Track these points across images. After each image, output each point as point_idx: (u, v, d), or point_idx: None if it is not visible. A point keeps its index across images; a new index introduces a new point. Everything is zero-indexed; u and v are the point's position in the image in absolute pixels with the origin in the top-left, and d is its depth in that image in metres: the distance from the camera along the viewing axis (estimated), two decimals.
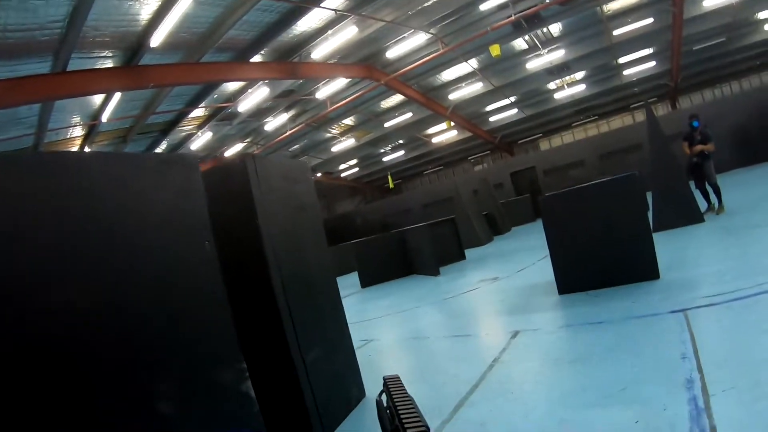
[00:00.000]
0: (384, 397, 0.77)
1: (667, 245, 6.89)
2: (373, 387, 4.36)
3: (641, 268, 5.66)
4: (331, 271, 4.36)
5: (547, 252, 6.43)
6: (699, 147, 9.08)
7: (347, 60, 17.69)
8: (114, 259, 2.18)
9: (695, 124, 9.23)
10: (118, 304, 2.15)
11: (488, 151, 35.19)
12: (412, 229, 12.53)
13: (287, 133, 23.56)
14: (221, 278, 2.67)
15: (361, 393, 4.25)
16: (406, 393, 0.73)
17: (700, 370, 3.07)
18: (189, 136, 21.93)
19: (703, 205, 9.24)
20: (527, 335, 4.92)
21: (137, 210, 2.35)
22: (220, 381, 2.50)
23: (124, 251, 2.24)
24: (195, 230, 2.61)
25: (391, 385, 0.76)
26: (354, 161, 34.18)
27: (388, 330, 6.98)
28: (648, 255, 5.65)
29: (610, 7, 17.99)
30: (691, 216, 8.54)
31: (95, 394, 1.97)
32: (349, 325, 4.38)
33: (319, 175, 33.76)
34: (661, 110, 28.31)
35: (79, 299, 2.01)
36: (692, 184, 9.07)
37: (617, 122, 30.76)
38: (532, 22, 17.04)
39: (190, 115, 19.24)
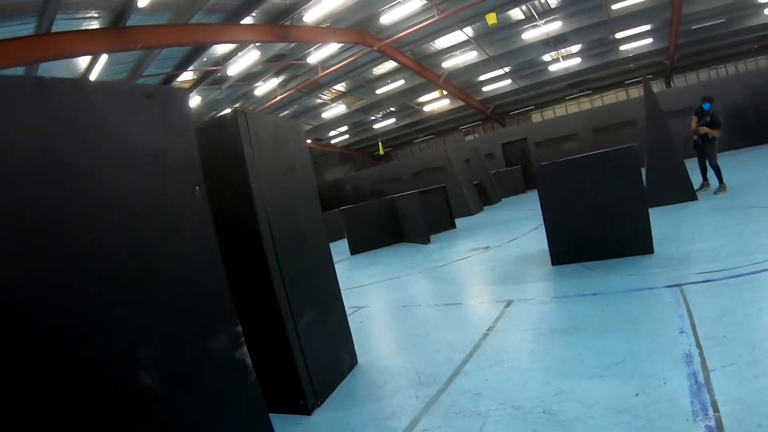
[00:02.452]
0: None
1: (660, 220, 6.88)
2: (363, 355, 4.33)
3: (636, 242, 5.65)
4: (324, 234, 4.25)
5: (538, 223, 6.41)
6: (704, 129, 9.07)
7: (340, 24, 17.33)
8: (87, 203, 1.93)
9: (706, 107, 9.20)
10: (93, 258, 1.92)
11: (480, 122, 34.98)
12: (402, 197, 12.46)
13: (277, 99, 23.20)
14: (213, 230, 2.47)
15: (353, 360, 4.20)
16: None
17: (698, 345, 3.06)
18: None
19: (698, 181, 9.25)
20: (521, 304, 4.91)
21: (115, 148, 2.09)
22: (213, 347, 2.35)
23: (99, 195, 1.98)
24: (184, 173, 2.37)
25: None
26: (344, 128, 33.84)
27: (378, 297, 6.95)
28: (643, 229, 5.63)
29: None
30: (685, 193, 8.53)
31: (74, 359, 1.81)
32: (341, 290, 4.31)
33: (309, 141, 33.40)
34: (656, 88, 28.14)
35: (45, 252, 1.78)
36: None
37: (611, 97, 30.62)
38: None
39: (178, 79, 18.82)
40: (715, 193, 8.92)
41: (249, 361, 2.52)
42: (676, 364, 2.87)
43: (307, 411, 3.40)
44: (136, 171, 2.15)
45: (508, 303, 5.02)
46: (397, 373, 3.82)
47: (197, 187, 2.40)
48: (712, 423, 2.23)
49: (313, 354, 3.58)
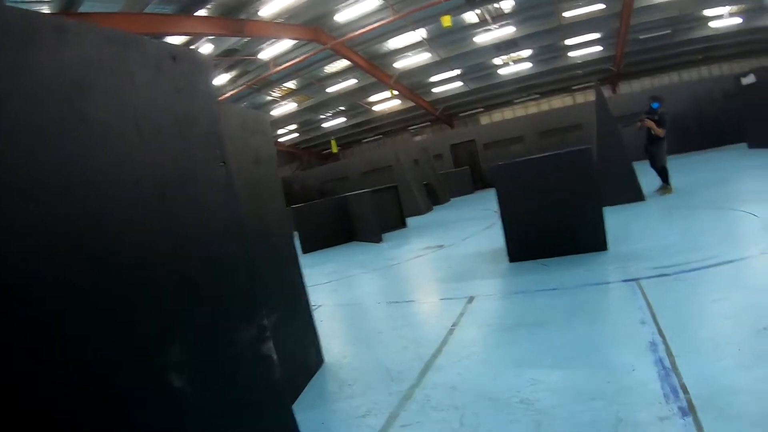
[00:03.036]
0: None
1: (611, 220, 7.11)
2: (328, 353, 4.28)
3: (590, 240, 5.85)
4: (289, 227, 4.17)
5: (490, 222, 6.54)
6: (649, 122, 9.33)
7: (295, 20, 17.17)
8: (97, 172, 1.68)
9: (654, 105, 9.50)
10: (101, 234, 1.66)
11: (429, 123, 35.31)
12: (354, 196, 12.44)
13: (227, 95, 22.75)
14: (239, 206, 2.27)
15: (320, 358, 4.13)
16: None
17: (661, 334, 3.20)
18: None
19: (658, 183, 9.67)
20: (483, 300, 4.98)
21: (141, 109, 1.85)
22: (238, 339, 2.16)
23: (112, 164, 1.73)
24: (207, 146, 2.16)
25: None
26: (293, 126, 33.46)
27: (335, 296, 6.87)
28: (598, 227, 5.83)
29: None
30: (633, 194, 8.89)
31: (80, 332, 1.56)
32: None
33: None
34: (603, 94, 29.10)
35: (49, 229, 1.51)
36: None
37: (558, 102, 31.52)
38: None
39: None
40: (660, 194, 9.30)
41: (275, 356, 2.37)
42: (642, 352, 2.99)
43: None
44: (161, 141, 1.93)
45: (470, 299, 5.09)
46: (367, 371, 3.78)
47: (222, 163, 2.21)
48: (684, 404, 2.34)
49: (282, 352, 3.49)
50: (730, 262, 4.41)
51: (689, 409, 2.28)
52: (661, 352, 2.94)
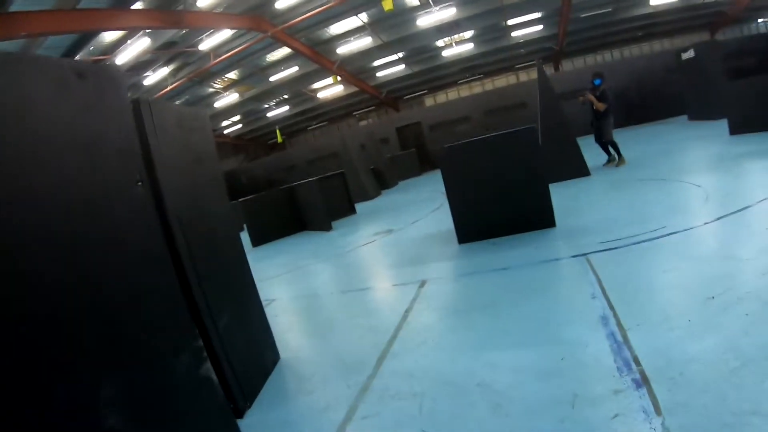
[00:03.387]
0: None
1: (558, 196, 7.23)
2: (284, 349, 4.18)
3: (538, 217, 5.92)
4: (234, 225, 4.05)
5: (438, 204, 6.54)
6: (590, 96, 9.55)
7: (234, 9, 16.71)
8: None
9: (596, 82, 9.69)
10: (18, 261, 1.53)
11: (374, 107, 35.19)
12: (302, 185, 12.25)
13: (168, 89, 21.97)
14: (160, 230, 2.16)
15: (275, 355, 4.04)
16: None
17: (611, 307, 3.25)
18: None
19: (604, 157, 9.94)
20: (436, 283, 4.97)
21: (41, 135, 1.71)
22: (174, 367, 2.05)
23: (24, 188, 1.61)
24: (121, 165, 2.03)
25: None
26: (237, 117, 32.74)
27: (288, 288, 6.77)
28: (544, 204, 5.90)
29: None
30: (579, 170, 9.08)
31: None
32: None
33: None
34: (546, 71, 29.62)
35: None
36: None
37: (502, 81, 31.92)
38: None
39: None
40: (616, 166, 9.52)
41: (215, 378, 2.25)
42: (594, 327, 3.03)
43: (239, 414, 3.21)
44: (64, 164, 1.77)
45: (422, 283, 5.07)
46: (323, 364, 3.72)
47: (139, 183, 2.05)
48: (637, 376, 2.38)
49: (236, 354, 3.38)
50: (677, 232, 4.53)
51: (643, 381, 2.32)
52: (612, 326, 2.98)
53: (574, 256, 4.58)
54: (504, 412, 2.39)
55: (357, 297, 5.39)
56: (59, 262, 1.63)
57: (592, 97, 9.53)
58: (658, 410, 2.08)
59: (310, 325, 5.00)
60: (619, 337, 2.80)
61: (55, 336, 1.56)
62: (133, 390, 1.77)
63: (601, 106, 9.48)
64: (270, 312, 5.55)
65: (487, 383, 2.70)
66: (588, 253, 4.55)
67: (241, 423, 3.12)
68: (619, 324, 2.98)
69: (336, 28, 21.22)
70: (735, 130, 9.95)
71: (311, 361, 3.88)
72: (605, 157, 10.05)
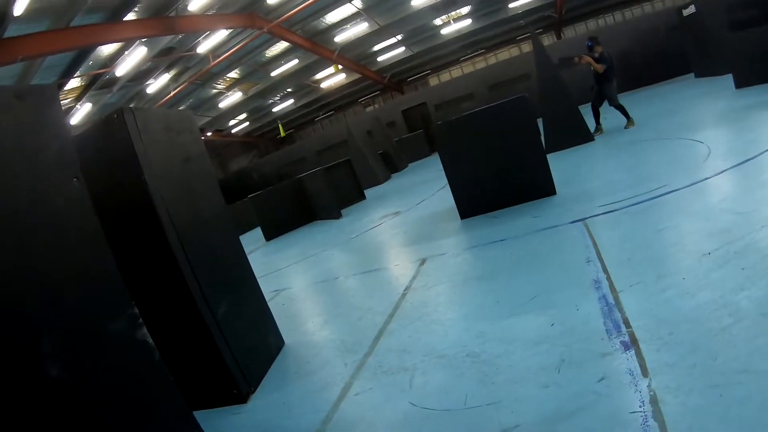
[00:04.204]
0: None
1: (560, 164, 7.16)
2: (290, 334, 4.22)
3: (538, 186, 5.83)
4: (229, 220, 4.07)
5: (444, 183, 6.46)
6: (586, 58, 9.30)
7: (227, 9, 16.73)
8: None
9: (588, 44, 9.45)
10: None
11: (378, 92, 35.07)
12: (309, 176, 12.23)
13: (171, 94, 22.13)
14: (95, 218, 2.37)
15: (279, 341, 4.09)
16: None
17: (605, 270, 3.18)
18: (68, 111, 19.94)
19: (592, 125, 9.64)
20: (435, 261, 4.94)
21: None
22: (109, 330, 2.24)
23: None
24: (59, 167, 2.28)
25: None
26: (243, 115, 32.88)
27: (297, 277, 6.80)
28: (543, 172, 5.80)
29: None
30: (581, 136, 8.91)
31: None
32: (258, 278, 4.15)
33: (209, 134, 32.22)
34: (547, 41, 29.30)
35: None
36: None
37: (504, 54, 31.56)
38: None
39: (66, 88, 17.55)
40: (625, 127, 9.29)
41: (150, 340, 2.42)
42: (586, 291, 2.96)
43: (242, 399, 3.30)
44: (13, 169, 2.07)
45: (422, 261, 5.04)
46: (324, 346, 3.75)
47: (75, 179, 2.31)
48: (626, 338, 2.31)
49: (237, 341, 3.46)
50: (676, 190, 4.41)
51: (632, 343, 2.25)
52: (605, 289, 2.91)
53: (572, 222, 4.50)
54: (490, 380, 2.35)
55: (360, 280, 5.39)
56: (6, 243, 1.94)
57: (587, 58, 9.30)
58: (645, 372, 2.01)
59: (314, 311, 5.01)
60: (611, 300, 2.73)
61: (3, 300, 1.86)
62: (72, 345, 2.06)
63: (599, 68, 9.24)
64: (278, 301, 5.64)
65: (476, 353, 2.66)
66: (586, 218, 4.46)
67: (244, 407, 3.22)
68: (611, 286, 2.91)
69: (331, 17, 21.09)
70: (740, 83, 9.65)
71: (313, 344, 3.91)
72: (616, 120, 9.83)
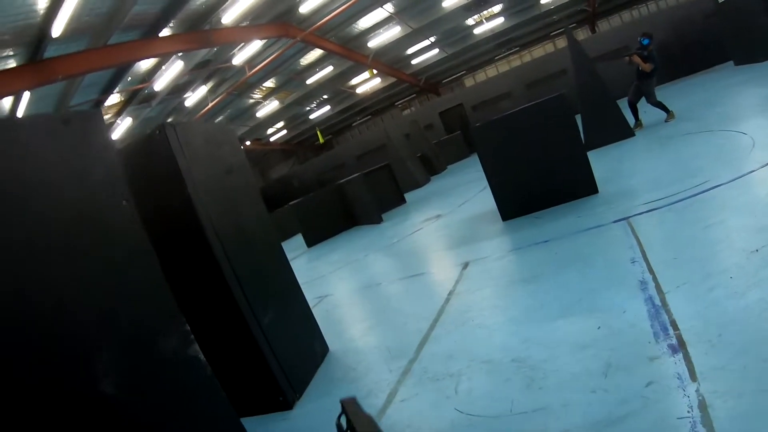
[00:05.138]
0: (344, 422, 0.70)
1: (601, 161, 7.03)
2: (334, 341, 4.29)
3: (579, 185, 5.75)
4: (271, 229, 4.18)
5: (485, 184, 6.45)
6: (636, 58, 9.14)
7: (260, 20, 16.99)
8: (20, 223, 1.95)
9: (644, 41, 9.24)
10: (31, 273, 1.92)
11: (414, 95, 35.08)
12: (349, 181, 12.32)
13: (209, 106, 22.58)
14: (146, 237, 2.47)
15: (324, 348, 4.17)
16: (366, 415, 0.71)
17: (651, 271, 3.13)
18: (109, 126, 20.68)
19: (631, 120, 9.41)
20: (478, 264, 4.93)
21: (40, 172, 2.10)
22: (162, 347, 2.32)
23: (31, 214, 2.00)
24: (108, 188, 2.38)
25: (350, 409, 0.69)
26: (281, 123, 33.33)
27: (340, 283, 6.89)
28: (584, 171, 5.73)
29: None
30: (622, 132, 8.72)
31: (21, 379, 1.77)
32: (301, 285, 4.23)
33: (248, 143, 32.81)
34: (581, 35, 28.83)
35: None
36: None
37: (539, 51, 31.15)
38: None
39: (106, 104, 18.12)
40: (666, 121, 9.07)
41: (202, 356, 2.49)
42: (632, 293, 2.93)
43: (288, 406, 3.38)
44: (63, 191, 2.16)
45: (465, 264, 5.05)
46: (369, 353, 3.81)
47: (124, 201, 2.41)
48: (674, 341, 2.28)
49: (282, 350, 3.54)
50: (721, 185, 4.28)
51: (680, 346, 2.22)
52: (651, 289, 2.87)
53: (615, 221, 4.43)
54: (537, 386, 2.35)
55: (403, 285, 5.43)
56: (60, 265, 2.02)
57: (637, 58, 9.13)
58: (693, 376, 1.99)
59: (359, 317, 5.07)
60: (658, 301, 2.70)
61: (60, 321, 1.96)
62: (126, 363, 2.13)
63: (647, 68, 9.03)
64: (323, 307, 5.73)
65: (522, 359, 2.66)
66: (629, 217, 4.39)
67: (290, 414, 3.31)
68: (658, 287, 2.86)
69: (364, 23, 21.15)
70: None
71: (358, 351, 3.97)
72: (655, 114, 9.59)
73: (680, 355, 2.15)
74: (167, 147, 3.27)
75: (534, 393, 2.32)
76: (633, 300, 2.83)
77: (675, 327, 2.39)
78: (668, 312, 2.55)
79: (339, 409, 0.87)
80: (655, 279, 2.99)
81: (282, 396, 3.39)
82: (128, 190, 2.46)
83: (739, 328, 2.18)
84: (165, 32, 14.42)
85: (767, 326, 2.11)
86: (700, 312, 2.43)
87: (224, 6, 14.61)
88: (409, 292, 5.11)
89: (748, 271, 2.64)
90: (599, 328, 2.66)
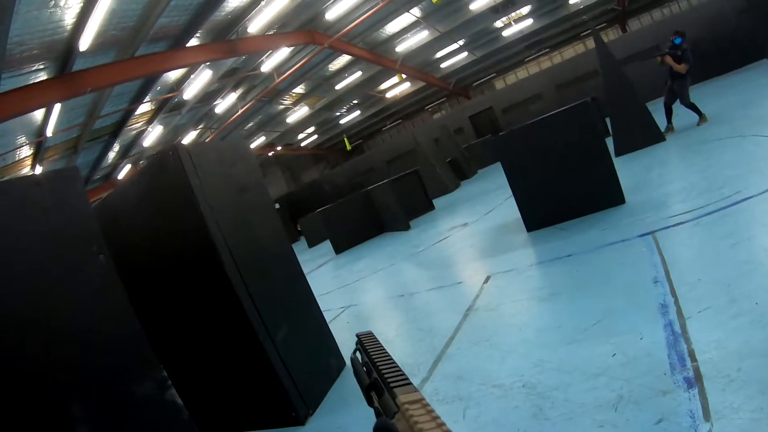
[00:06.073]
0: (359, 355, 0.69)
1: (630, 168, 6.86)
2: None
3: (606, 195, 5.60)
4: (287, 245, 4.17)
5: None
6: (668, 58, 8.92)
7: (286, 28, 17.15)
8: None
9: (677, 41, 9.02)
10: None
11: (444, 98, 34.96)
12: (376, 188, 12.31)
13: (239, 113, 22.92)
14: (123, 290, 2.54)
15: (340, 362, 4.13)
16: (382, 347, 0.69)
17: (673, 293, 3.00)
18: (140, 133, 21.20)
19: (662, 123, 9.17)
20: (499, 278, 4.84)
21: (14, 235, 2.21)
22: (138, 394, 2.36)
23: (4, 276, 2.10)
24: (82, 245, 2.47)
25: (366, 341, 0.71)
26: (312, 128, 33.63)
27: (364, 293, 6.87)
28: (611, 181, 5.58)
29: None
30: (652, 136, 8.49)
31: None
32: (326, 293, 4.25)
33: (279, 148, 33.16)
34: (612, 35, 28.32)
35: None
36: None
37: (570, 52, 30.71)
38: None
39: (137, 112, 18.56)
40: (698, 125, 8.83)
41: (179, 400, 2.53)
42: (652, 317, 2.80)
43: (300, 422, 3.37)
44: (37, 250, 2.28)
45: (487, 278, 4.96)
46: None
47: (101, 255, 2.50)
48: (690, 374, 2.16)
49: (295, 366, 3.54)
50: (752, 197, 4.09)
51: (696, 380, 2.10)
52: (672, 314, 2.74)
53: (640, 236, 4.28)
54: (544, 416, 2.27)
55: (424, 298, 5.37)
56: (33, 321, 2.12)
57: (669, 59, 8.87)
58: (707, 414, 1.87)
59: (377, 330, 4.99)
60: (677, 328, 2.57)
61: (38, 371, 2.06)
62: (99, 409, 2.20)
63: (682, 68, 8.76)
64: (343, 318, 5.70)
65: (533, 384, 2.58)
66: (655, 231, 4.23)
67: (302, 429, 3.31)
68: (679, 312, 2.73)
69: (391, 27, 21.17)
70: None
71: None
72: (688, 116, 9.31)
73: (695, 391, 2.04)
74: (180, 167, 3.30)
75: (540, 423, 2.23)
76: (652, 325, 2.70)
77: (693, 358, 2.27)
78: (687, 340, 2.42)
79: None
80: (677, 303, 2.85)
81: (294, 412, 3.40)
82: (104, 244, 2.54)
83: (761, 363, 2.05)
84: (192, 42, 14.68)
85: None
86: (722, 341, 2.30)
87: (250, 15, 14.79)
88: (429, 306, 5.05)
89: None
90: (614, 355, 2.55)
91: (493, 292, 4.49)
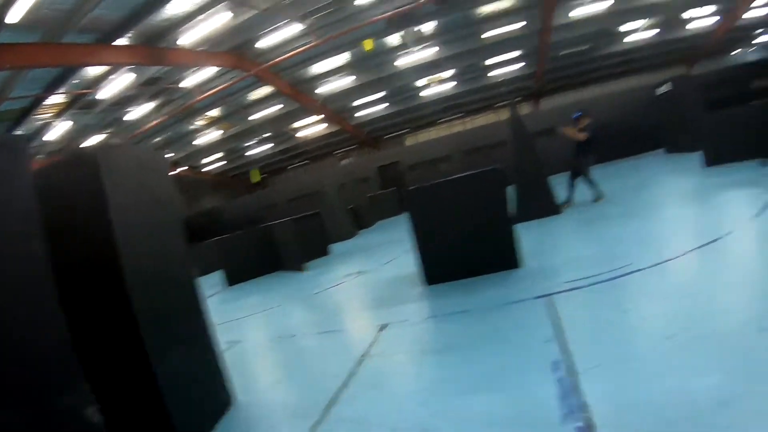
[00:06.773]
0: None
1: (528, 235, 7.22)
2: (241, 392, 4.04)
3: (504, 258, 5.84)
4: (190, 268, 3.97)
5: (410, 245, 6.46)
6: (568, 129, 9.72)
7: (218, 48, 16.91)
8: None
9: (574, 116, 9.87)
10: None
11: (355, 146, 35.47)
12: (278, 224, 12.11)
13: (151, 124, 21.96)
14: (53, 287, 2.31)
15: (230, 398, 3.90)
16: None
17: (566, 351, 3.15)
18: (46, 126, 19.57)
19: (564, 196, 9.85)
20: (395, 327, 4.85)
21: None
22: (60, 406, 2.16)
23: None
24: (21, 226, 2.23)
25: None
26: (219, 154, 32.81)
27: (254, 330, 6.64)
28: (510, 245, 5.84)
29: (483, 10, 18.90)
30: (550, 208, 9.12)
31: None
32: (214, 326, 4.02)
33: (183, 168, 31.96)
34: (525, 109, 30.29)
35: None
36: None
37: (482, 120, 32.40)
38: (406, 19, 17.36)
39: (47, 102, 17.26)
40: (594, 202, 9.53)
41: (98, 418, 2.32)
42: (544, 372, 2.92)
43: None
44: None
45: (382, 327, 4.94)
46: (275, 409, 3.63)
47: (38, 246, 2.30)
48: (582, 424, 2.26)
49: (183, 396, 3.30)
50: (642, 269, 4.51)
51: (588, 430, 2.22)
52: (564, 370, 2.89)
53: (537, 297, 4.49)
54: None
55: (318, 340, 5.26)
56: None
57: (569, 130, 9.64)
58: None
59: (268, 369, 4.87)
60: (569, 383, 2.71)
61: None
62: (20, 420, 1.99)
63: (581, 136, 9.54)
64: (233, 354, 5.44)
65: (432, 431, 2.58)
66: (551, 294, 4.47)
67: None
68: (571, 368, 2.88)
69: (318, 68, 21.47)
70: (710, 161, 10.14)
71: (263, 405, 3.78)
72: (587, 192, 10.06)
73: None
74: (95, 169, 3.09)
75: None
76: (544, 380, 2.82)
77: (584, 410, 2.39)
78: (579, 394, 2.56)
79: None
80: (569, 359, 3.01)
81: None
82: (41, 229, 2.30)
83: (650, 412, 2.22)
84: (121, 41, 14.11)
85: (670, 414, 2.15)
86: (612, 395, 2.47)
87: (185, 26, 14.48)
88: (322, 349, 4.95)
89: (663, 356, 2.74)
90: (507, 406, 2.62)
91: (390, 341, 4.49)
